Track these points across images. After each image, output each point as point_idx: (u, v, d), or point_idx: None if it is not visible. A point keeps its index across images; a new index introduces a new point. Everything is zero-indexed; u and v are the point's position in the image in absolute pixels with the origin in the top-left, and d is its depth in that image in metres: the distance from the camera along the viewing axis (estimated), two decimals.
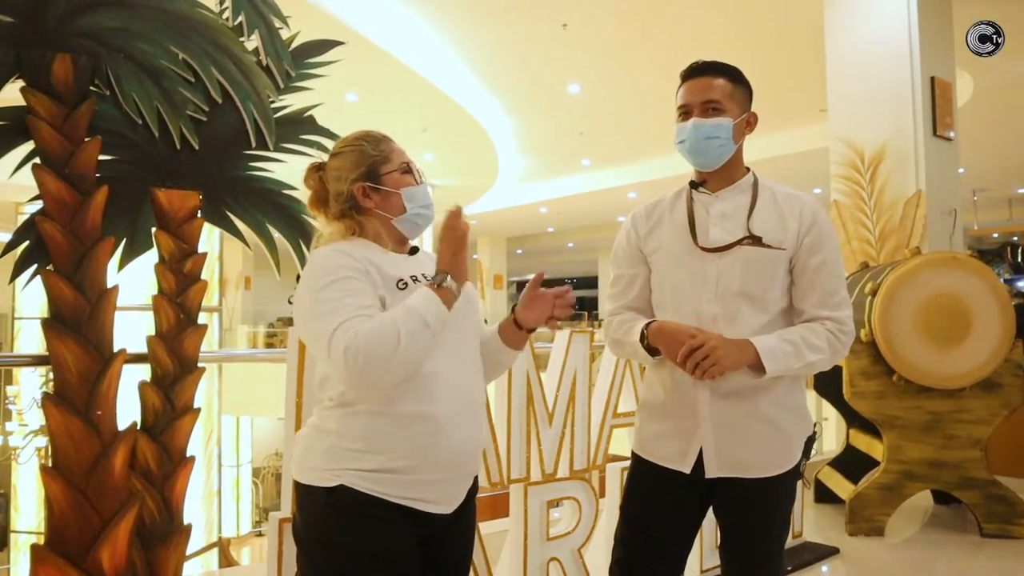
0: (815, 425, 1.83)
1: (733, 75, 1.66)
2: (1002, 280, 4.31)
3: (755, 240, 1.59)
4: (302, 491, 1.42)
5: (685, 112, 1.65)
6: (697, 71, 1.66)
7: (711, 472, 1.61)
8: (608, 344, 1.80)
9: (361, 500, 1.35)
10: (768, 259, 1.59)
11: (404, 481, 1.37)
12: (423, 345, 1.32)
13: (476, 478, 1.55)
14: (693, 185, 1.71)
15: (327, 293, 1.34)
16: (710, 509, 1.74)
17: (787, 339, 1.55)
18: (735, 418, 1.60)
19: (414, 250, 1.59)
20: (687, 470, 1.63)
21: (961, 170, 5.33)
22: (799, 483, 1.83)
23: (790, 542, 3.31)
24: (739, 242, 1.60)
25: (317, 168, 1.56)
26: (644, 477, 1.74)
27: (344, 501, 1.35)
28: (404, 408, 1.36)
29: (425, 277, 1.44)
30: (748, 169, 1.71)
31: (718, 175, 1.67)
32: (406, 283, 1.42)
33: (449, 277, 1.38)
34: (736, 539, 1.69)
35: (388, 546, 1.37)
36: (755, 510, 1.65)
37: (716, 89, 1.63)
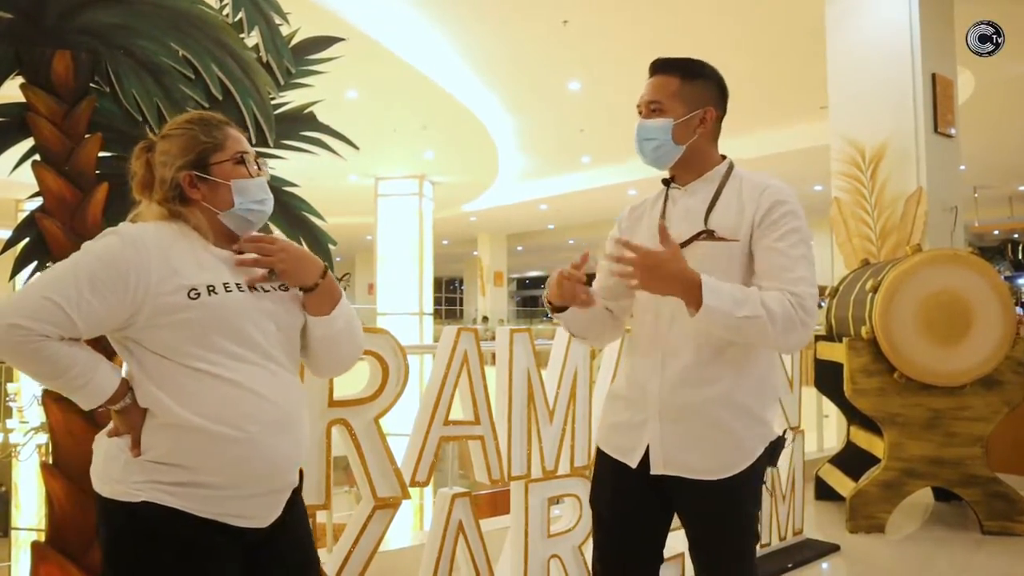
0: (785, 432, 1.78)
1: (688, 71, 1.62)
2: (1002, 277, 4.31)
3: (709, 234, 1.57)
4: (103, 504, 1.31)
5: (640, 112, 1.65)
6: (651, 69, 1.65)
7: (656, 469, 1.59)
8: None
9: (167, 518, 1.25)
10: (723, 252, 1.56)
11: (216, 497, 1.28)
12: (53, 386, 1.31)
13: (300, 483, 1.45)
14: (665, 182, 1.71)
15: (72, 269, 1.26)
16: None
17: (733, 288, 1.47)
18: (683, 415, 1.57)
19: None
20: (633, 465, 1.62)
21: (962, 167, 5.33)
22: (763, 488, 1.77)
23: (791, 539, 3.32)
24: (695, 237, 1.58)
25: (147, 149, 1.43)
26: (604, 468, 1.73)
27: (149, 521, 1.25)
28: (214, 424, 1.27)
29: (226, 288, 1.32)
30: (724, 158, 1.67)
31: (683, 170, 1.65)
32: (199, 293, 1.28)
33: (128, 406, 1.30)
34: (695, 541, 1.65)
35: (200, 570, 1.28)
36: (708, 513, 1.61)
37: (661, 89, 1.61)
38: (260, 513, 1.34)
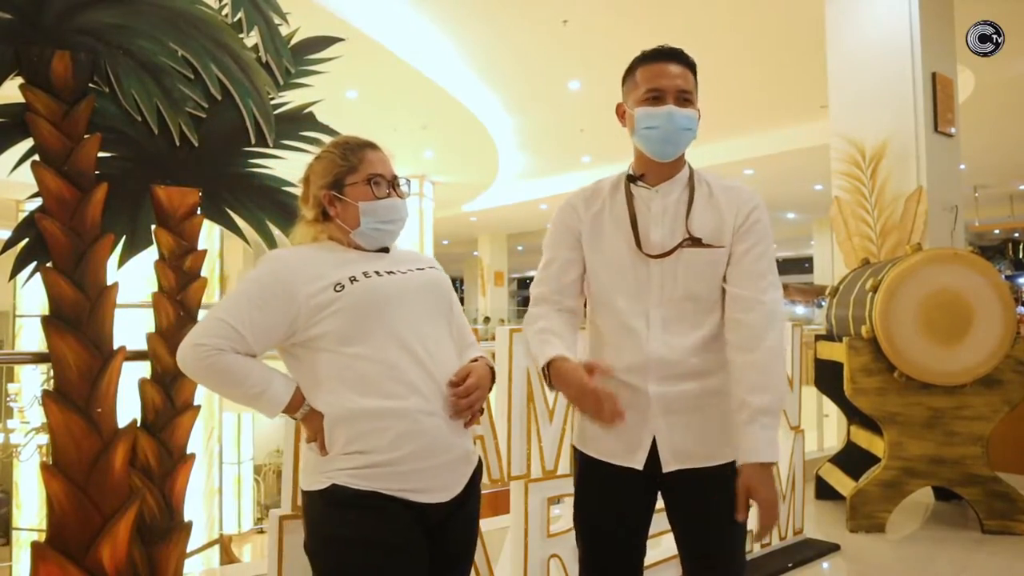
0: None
1: (694, 68, 1.61)
2: (1003, 277, 4.31)
3: (695, 241, 1.56)
4: (304, 499, 1.47)
5: (656, 97, 1.55)
6: (670, 56, 1.57)
7: (668, 466, 1.56)
8: (524, 337, 1.69)
9: (353, 494, 1.38)
10: (710, 259, 1.56)
11: (391, 474, 1.39)
12: (236, 399, 1.45)
13: (480, 464, 1.57)
14: (631, 179, 1.64)
15: (237, 294, 1.46)
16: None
17: (749, 429, 1.48)
18: (683, 408, 1.55)
19: (383, 249, 1.60)
20: (639, 466, 1.57)
21: (962, 166, 5.32)
22: None
23: (791, 539, 3.32)
24: (680, 245, 1.56)
25: (310, 169, 1.62)
26: (592, 474, 1.66)
27: (337, 498, 1.39)
28: (376, 401, 1.40)
29: (370, 274, 1.48)
30: (685, 161, 1.65)
31: (663, 169, 1.61)
32: (343, 286, 1.44)
33: (307, 413, 1.45)
34: (690, 531, 1.63)
35: (388, 531, 1.39)
36: (709, 499, 1.58)
37: (688, 79, 1.58)
38: (441, 484, 1.45)
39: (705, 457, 1.57)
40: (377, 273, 1.49)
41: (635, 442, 1.58)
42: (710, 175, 1.64)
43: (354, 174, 1.54)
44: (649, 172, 1.62)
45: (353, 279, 1.45)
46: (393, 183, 1.58)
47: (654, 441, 1.57)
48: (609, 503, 1.64)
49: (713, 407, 1.57)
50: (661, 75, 1.56)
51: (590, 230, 1.65)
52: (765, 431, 1.47)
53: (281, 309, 1.43)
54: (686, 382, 1.56)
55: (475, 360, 1.58)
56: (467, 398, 1.49)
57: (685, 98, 1.56)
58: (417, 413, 1.42)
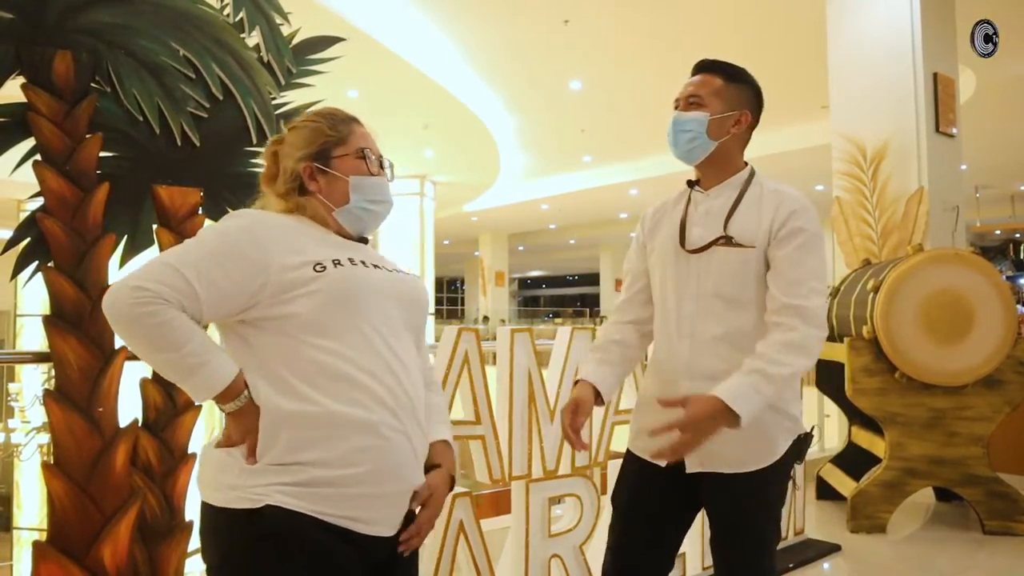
0: (812, 428, 1.80)
1: (731, 74, 1.67)
2: (1004, 277, 4.31)
3: (727, 240, 1.60)
4: (215, 514, 1.20)
5: (675, 105, 1.69)
6: (696, 68, 1.70)
7: (691, 467, 1.62)
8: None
9: (292, 525, 1.15)
10: (740, 258, 1.59)
11: (337, 496, 1.17)
12: (162, 368, 1.20)
13: (411, 504, 1.31)
14: (690, 184, 1.74)
15: (196, 242, 1.23)
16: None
17: (744, 378, 1.50)
18: None
19: (362, 240, 1.43)
20: (663, 464, 1.63)
21: (963, 167, 5.32)
22: (789, 485, 1.80)
23: (792, 539, 3.31)
24: (714, 242, 1.61)
25: (278, 142, 1.42)
26: (630, 469, 1.76)
27: (270, 528, 1.15)
28: (339, 405, 1.19)
29: (357, 263, 1.29)
30: (747, 165, 1.71)
31: (709, 172, 1.69)
32: (324, 267, 1.24)
33: (243, 406, 1.20)
34: (723, 537, 1.67)
35: None
36: (737, 506, 1.63)
37: (703, 85, 1.66)
38: (387, 516, 1.24)
39: (734, 463, 1.60)
40: (363, 263, 1.30)
41: (665, 440, 1.60)
42: (769, 180, 1.68)
43: (343, 146, 1.37)
44: (702, 176, 1.72)
45: (337, 263, 1.25)
46: (381, 163, 1.41)
47: None
48: (640, 497, 1.72)
49: None
50: (684, 87, 1.69)
51: (650, 234, 1.77)
52: (753, 391, 1.47)
53: (248, 273, 1.19)
54: (716, 383, 1.57)
55: (435, 466, 1.35)
56: (425, 525, 1.31)
57: (692, 102, 1.65)
58: (382, 427, 1.21)
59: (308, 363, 1.20)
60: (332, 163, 1.36)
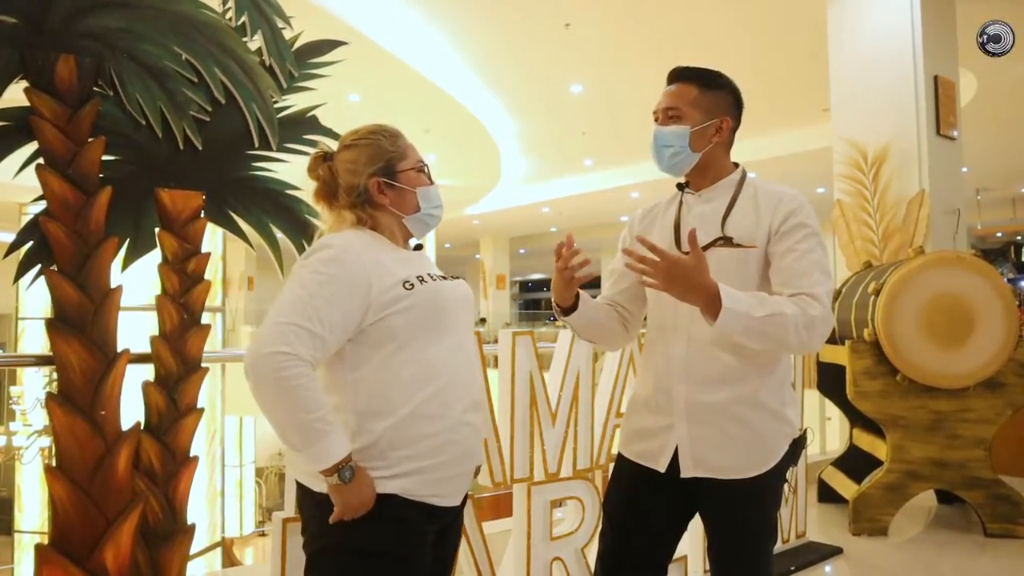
0: (805, 430, 1.80)
1: (706, 81, 1.65)
2: (1005, 280, 4.31)
3: (727, 241, 1.60)
4: (307, 496, 1.41)
5: (654, 118, 1.68)
6: (670, 77, 1.69)
7: (686, 472, 1.60)
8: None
9: (382, 501, 1.35)
10: (740, 258, 1.59)
11: (424, 480, 1.38)
12: (291, 428, 1.29)
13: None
14: (679, 187, 1.74)
15: (300, 290, 1.33)
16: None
17: (754, 293, 1.50)
18: (710, 416, 1.58)
19: (418, 247, 1.59)
20: (662, 469, 1.63)
21: (964, 169, 5.32)
22: (784, 487, 1.80)
23: (794, 542, 3.31)
24: (713, 243, 1.60)
25: (325, 158, 1.54)
26: (623, 473, 1.74)
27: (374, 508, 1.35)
28: (421, 410, 1.38)
29: (431, 277, 1.46)
30: (737, 166, 1.70)
31: (697, 176, 1.69)
32: (412, 284, 1.41)
33: (347, 480, 1.31)
34: (720, 542, 1.67)
35: (402, 545, 1.37)
36: (734, 511, 1.63)
37: (679, 97, 1.64)
38: (458, 491, 1.46)
39: (732, 469, 1.59)
40: (431, 277, 1.47)
41: (661, 445, 1.63)
42: (762, 181, 1.68)
43: (404, 160, 1.53)
44: (690, 180, 1.71)
45: (421, 279, 1.43)
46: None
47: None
48: (632, 502, 1.70)
49: (743, 418, 1.58)
50: (660, 97, 1.68)
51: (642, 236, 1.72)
52: (747, 302, 1.43)
53: (358, 304, 1.35)
54: (713, 387, 1.58)
55: None
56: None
57: (671, 115, 1.64)
58: (460, 424, 1.42)
59: (399, 370, 1.38)
60: (398, 176, 1.51)
